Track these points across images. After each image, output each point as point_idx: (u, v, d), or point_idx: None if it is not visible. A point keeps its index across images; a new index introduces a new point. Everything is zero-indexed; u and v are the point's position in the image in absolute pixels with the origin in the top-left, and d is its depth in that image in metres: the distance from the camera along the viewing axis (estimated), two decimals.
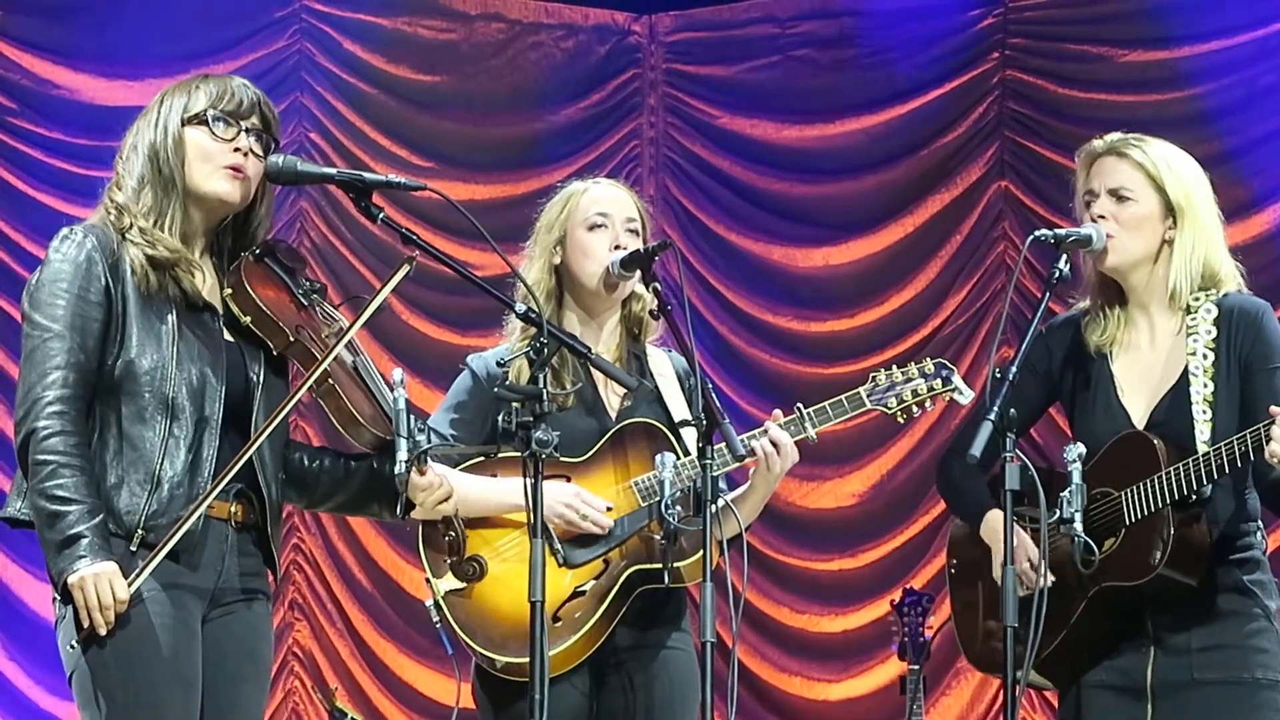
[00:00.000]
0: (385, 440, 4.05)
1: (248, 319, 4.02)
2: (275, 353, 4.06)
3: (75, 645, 3.86)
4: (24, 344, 3.97)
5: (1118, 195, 4.48)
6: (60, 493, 3.83)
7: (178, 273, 3.98)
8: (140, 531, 3.89)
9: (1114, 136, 4.57)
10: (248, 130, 4.05)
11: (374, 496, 4.19)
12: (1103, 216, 4.47)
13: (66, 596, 3.84)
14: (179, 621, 3.91)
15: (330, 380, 3.98)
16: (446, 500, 4.14)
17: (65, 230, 4.00)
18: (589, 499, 4.51)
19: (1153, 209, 4.48)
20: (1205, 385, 4.41)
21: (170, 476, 3.92)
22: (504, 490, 4.50)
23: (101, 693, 3.85)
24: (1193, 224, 4.48)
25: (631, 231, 4.67)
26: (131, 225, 3.98)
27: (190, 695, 3.91)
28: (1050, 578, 4.36)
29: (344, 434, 4.07)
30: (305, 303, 4.09)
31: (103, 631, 3.83)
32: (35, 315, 3.94)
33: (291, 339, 4.01)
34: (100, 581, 3.81)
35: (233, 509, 3.99)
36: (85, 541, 3.81)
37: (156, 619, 3.87)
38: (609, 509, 4.54)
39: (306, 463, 4.19)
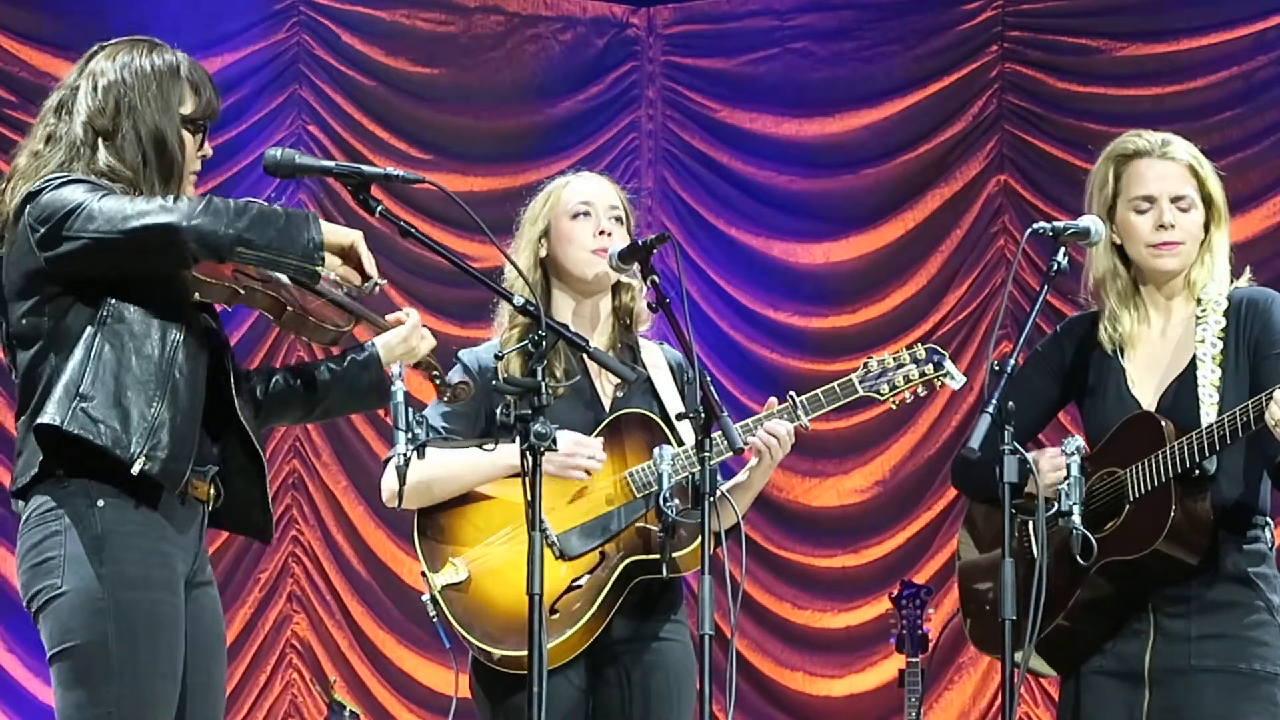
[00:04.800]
0: (359, 321, 4.10)
1: (195, 294, 3.96)
2: (230, 307, 4.05)
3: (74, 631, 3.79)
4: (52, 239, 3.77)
5: (1179, 203, 4.47)
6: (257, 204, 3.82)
7: None
8: (145, 449, 3.79)
9: (1155, 137, 4.52)
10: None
11: (356, 391, 4.17)
12: (1172, 225, 4.45)
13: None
14: (174, 609, 3.87)
15: (289, 309, 3.97)
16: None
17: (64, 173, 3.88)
18: (584, 440, 4.50)
19: (1202, 212, 4.48)
20: (1213, 372, 4.40)
21: (179, 407, 3.84)
22: (494, 458, 4.46)
23: (97, 678, 3.78)
24: (1226, 222, 4.51)
25: (615, 219, 4.68)
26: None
27: (175, 688, 3.88)
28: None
29: (333, 349, 4.09)
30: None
31: (380, 280, 3.97)
32: (60, 198, 3.78)
33: (239, 290, 3.95)
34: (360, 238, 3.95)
35: (210, 491, 3.97)
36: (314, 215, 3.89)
37: (159, 606, 3.82)
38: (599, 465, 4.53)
39: (284, 384, 4.17)
